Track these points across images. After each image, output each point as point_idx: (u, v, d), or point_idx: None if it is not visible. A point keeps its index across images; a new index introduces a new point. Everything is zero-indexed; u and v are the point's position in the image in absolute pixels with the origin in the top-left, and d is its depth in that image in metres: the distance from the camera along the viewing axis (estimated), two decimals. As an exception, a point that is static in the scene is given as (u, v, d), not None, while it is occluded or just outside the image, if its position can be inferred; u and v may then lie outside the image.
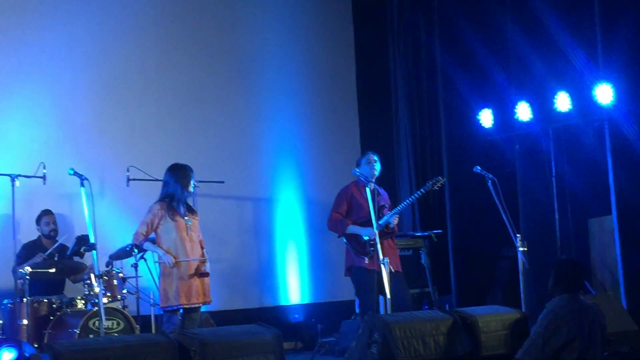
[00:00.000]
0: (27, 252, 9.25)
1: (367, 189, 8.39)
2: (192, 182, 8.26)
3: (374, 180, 8.84)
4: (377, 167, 8.89)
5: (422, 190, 8.82)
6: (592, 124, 10.10)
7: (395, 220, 8.76)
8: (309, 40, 12.06)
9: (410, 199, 9.06)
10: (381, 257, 8.19)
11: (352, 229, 8.66)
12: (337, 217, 8.81)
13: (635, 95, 9.55)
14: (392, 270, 8.49)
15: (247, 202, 11.36)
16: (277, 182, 11.64)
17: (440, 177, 8.84)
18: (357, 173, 8.70)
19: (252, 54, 11.62)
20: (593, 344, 5.62)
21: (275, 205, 11.60)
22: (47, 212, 9.49)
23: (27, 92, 9.96)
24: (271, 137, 11.65)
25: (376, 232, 8.32)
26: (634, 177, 9.49)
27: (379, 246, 8.25)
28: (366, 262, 8.49)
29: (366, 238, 8.45)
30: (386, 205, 8.93)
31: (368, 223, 8.48)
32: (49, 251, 9.15)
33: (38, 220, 9.46)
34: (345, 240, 8.73)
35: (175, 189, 8.20)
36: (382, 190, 9.07)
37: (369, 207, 8.46)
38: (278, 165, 11.66)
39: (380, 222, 8.55)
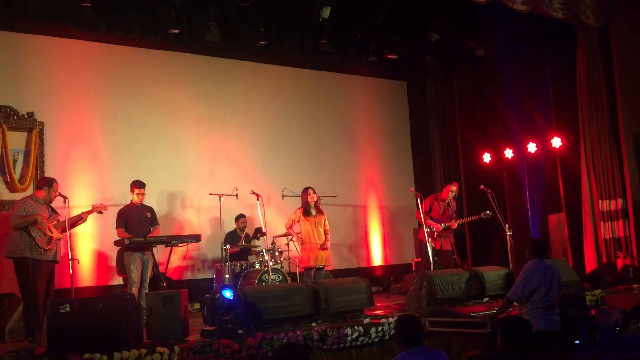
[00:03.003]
0: (230, 238, 9.33)
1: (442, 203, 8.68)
2: (311, 195, 8.20)
3: (449, 199, 8.72)
4: (451, 195, 8.68)
5: (475, 216, 8.68)
6: (549, 160, 10.01)
7: (454, 224, 8.73)
8: (385, 115, 11.88)
9: (468, 219, 8.95)
10: (427, 238, 8.28)
11: (430, 221, 8.57)
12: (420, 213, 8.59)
13: (574, 143, 9.47)
14: (447, 248, 8.74)
15: (349, 207, 11.19)
16: (365, 196, 11.45)
17: (489, 212, 8.50)
18: (412, 190, 8.85)
19: (350, 121, 11.48)
20: (552, 288, 5.40)
21: (365, 209, 11.41)
22: (243, 216, 9.46)
23: (227, 150, 10.11)
24: (362, 171, 11.49)
25: (442, 226, 8.54)
26: (574, 190, 9.42)
27: (426, 232, 8.27)
28: (433, 242, 8.47)
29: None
30: (452, 214, 8.81)
31: (439, 221, 8.59)
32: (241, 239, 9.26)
33: (237, 219, 9.43)
34: (425, 227, 8.50)
35: (305, 200, 8.24)
36: (453, 203, 8.87)
37: (440, 213, 8.65)
38: (367, 187, 11.48)
39: (447, 224, 8.61)
